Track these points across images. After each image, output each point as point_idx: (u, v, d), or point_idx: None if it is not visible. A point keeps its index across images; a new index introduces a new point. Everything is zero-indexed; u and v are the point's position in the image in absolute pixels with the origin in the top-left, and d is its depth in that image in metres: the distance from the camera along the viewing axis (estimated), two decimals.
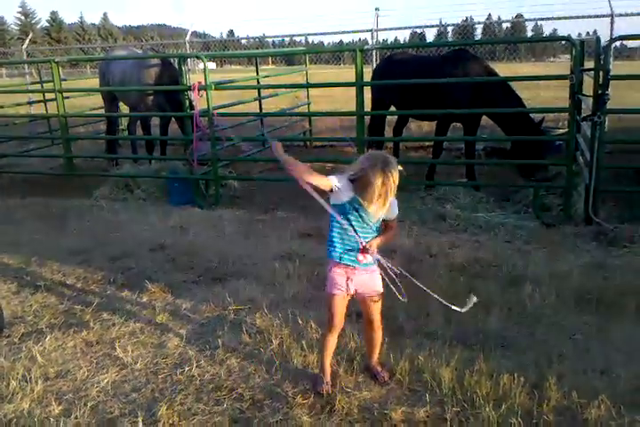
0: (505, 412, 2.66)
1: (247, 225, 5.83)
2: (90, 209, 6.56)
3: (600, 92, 5.16)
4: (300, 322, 3.58)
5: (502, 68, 7.65)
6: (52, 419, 2.75)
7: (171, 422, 2.68)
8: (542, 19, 11.71)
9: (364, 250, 2.70)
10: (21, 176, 8.06)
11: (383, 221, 2.79)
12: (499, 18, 57.71)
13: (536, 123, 6.18)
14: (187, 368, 3.17)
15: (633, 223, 5.21)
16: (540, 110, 7.42)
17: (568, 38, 5.65)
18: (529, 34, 74.10)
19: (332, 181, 2.63)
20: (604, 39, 5.68)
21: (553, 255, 4.69)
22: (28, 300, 4.16)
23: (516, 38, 30.55)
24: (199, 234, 5.60)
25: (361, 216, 2.67)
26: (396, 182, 2.58)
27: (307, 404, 2.81)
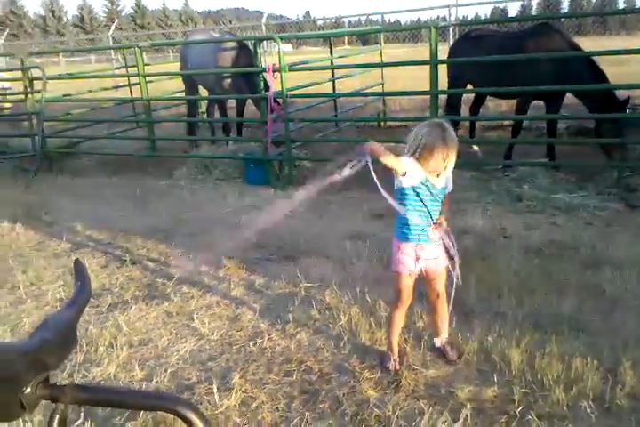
0: (575, 395, 2.62)
1: (319, 206, 5.90)
2: (171, 189, 6.86)
3: None
4: (369, 300, 3.63)
5: (590, 43, 7.26)
6: (135, 383, 2.96)
7: (243, 389, 2.82)
8: None
9: (437, 225, 2.70)
10: (108, 157, 8.51)
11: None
12: None
13: (621, 101, 5.84)
14: (259, 341, 3.31)
15: None
16: (627, 86, 6.99)
17: None
18: (621, 5, 69.28)
19: (405, 166, 2.62)
20: None
21: (636, 238, 4.47)
22: (114, 273, 4.45)
23: (602, 11, 28.73)
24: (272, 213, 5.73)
25: (432, 193, 2.68)
26: (456, 145, 2.57)
27: (373, 379, 2.87)
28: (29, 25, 78.97)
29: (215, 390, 2.79)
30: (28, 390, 1.99)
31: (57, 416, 2.03)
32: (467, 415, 2.52)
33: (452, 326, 3.20)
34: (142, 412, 2.63)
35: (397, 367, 2.94)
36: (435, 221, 2.71)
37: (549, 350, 2.94)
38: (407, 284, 2.86)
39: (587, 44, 6.67)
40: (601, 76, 5.88)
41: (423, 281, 2.92)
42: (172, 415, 2.26)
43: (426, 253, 2.78)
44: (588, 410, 2.52)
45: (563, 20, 23.88)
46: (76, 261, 2.26)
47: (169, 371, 3.04)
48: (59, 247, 5.09)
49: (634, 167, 5.68)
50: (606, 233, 4.66)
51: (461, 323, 3.29)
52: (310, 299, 3.79)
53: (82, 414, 2.41)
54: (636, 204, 5.18)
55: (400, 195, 2.72)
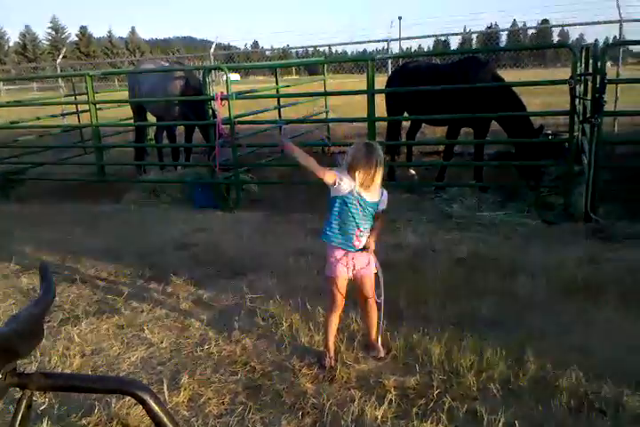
0: (485, 380, 3.00)
1: (264, 226, 6.23)
2: (119, 212, 7.04)
3: (597, 95, 5.45)
4: (309, 307, 3.95)
5: (508, 75, 7.96)
6: None
7: (191, 388, 3.07)
8: (566, 24, 11.97)
9: (365, 249, 3.07)
10: (57, 183, 8.61)
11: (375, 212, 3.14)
12: (524, 24, 57.40)
13: (536, 129, 6.47)
14: (206, 347, 3.57)
15: (632, 220, 5.47)
16: (543, 114, 7.71)
17: (564, 45, 5.97)
18: (555, 39, 73.83)
19: (335, 175, 3.00)
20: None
21: (549, 250, 4.98)
22: (65, 291, 4.62)
23: (516, 46, 30.62)
24: (220, 234, 6.02)
25: (361, 205, 3.04)
26: (381, 162, 2.97)
27: (311, 374, 3.18)
28: None
29: (165, 389, 3.04)
30: None
31: (24, 402, 2.31)
32: (391, 400, 2.86)
33: (382, 328, 3.55)
34: (97, 409, 2.85)
35: (332, 364, 3.26)
36: (362, 229, 3.07)
37: (466, 344, 3.32)
38: (340, 286, 3.20)
39: (507, 75, 7.33)
40: (519, 105, 6.51)
41: (355, 283, 3.27)
42: (124, 411, 2.54)
43: (355, 261, 3.14)
44: (495, 391, 2.91)
45: (502, 52, 25.32)
46: (42, 264, 2.54)
47: (121, 376, 3.26)
48: (7, 269, 5.21)
49: (549, 186, 6.27)
50: (523, 246, 5.16)
51: (391, 325, 3.65)
52: (255, 309, 4.08)
53: (50, 399, 2.65)
54: (550, 220, 5.73)
55: (331, 203, 3.08)
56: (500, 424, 2.64)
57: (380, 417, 2.76)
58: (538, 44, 40.88)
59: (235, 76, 38.17)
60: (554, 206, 6.06)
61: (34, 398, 2.44)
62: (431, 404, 2.84)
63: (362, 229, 3.08)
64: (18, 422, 2.25)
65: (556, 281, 4.26)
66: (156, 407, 2.30)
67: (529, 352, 3.19)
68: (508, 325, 3.66)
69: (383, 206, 3.15)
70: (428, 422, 2.69)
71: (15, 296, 4.52)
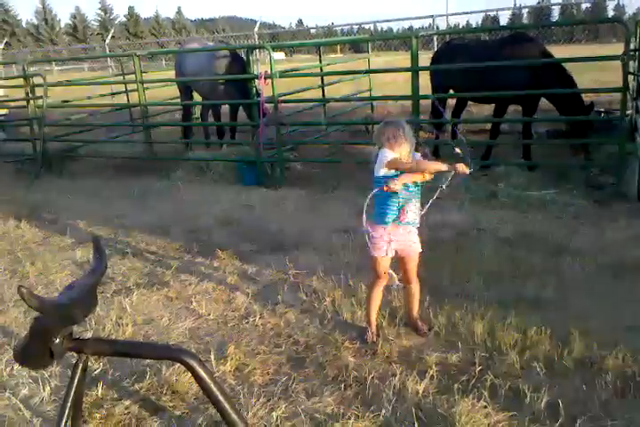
0: (529, 359, 2.99)
1: (308, 203, 6.28)
2: (168, 189, 7.21)
3: None
4: (352, 284, 4.00)
5: (563, 51, 7.70)
6: None
7: (237, 358, 3.17)
8: None
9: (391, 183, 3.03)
10: (107, 160, 8.86)
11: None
12: None
13: (586, 105, 6.26)
14: (251, 319, 3.66)
15: None
16: (594, 91, 7.45)
17: (617, 19, 5.72)
18: (610, 14, 70.56)
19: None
20: None
21: (598, 229, 4.86)
22: (117, 264, 4.79)
23: (566, 21, 29.51)
24: (264, 211, 6.11)
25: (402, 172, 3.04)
26: (397, 131, 3.01)
27: (353, 348, 3.23)
28: (22, 33, 79.29)
29: (212, 358, 3.14)
30: (57, 340, 2.40)
31: (80, 366, 2.42)
32: (432, 375, 2.89)
33: (425, 305, 3.57)
34: (148, 375, 2.98)
35: (374, 339, 3.30)
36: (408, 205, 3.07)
37: (509, 322, 3.31)
38: (383, 265, 3.23)
39: (559, 51, 7.09)
40: (569, 82, 6.30)
41: (398, 261, 3.29)
42: (174, 377, 2.65)
43: (397, 237, 3.15)
44: (539, 370, 2.89)
45: (555, 28, 24.44)
46: (94, 238, 2.64)
47: (171, 344, 3.39)
48: (63, 242, 5.43)
49: (600, 166, 6.09)
50: (572, 226, 5.04)
51: (433, 303, 3.66)
52: (298, 284, 4.15)
53: (105, 364, 2.79)
54: (601, 200, 5.58)
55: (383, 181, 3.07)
56: (543, 403, 2.64)
57: (421, 392, 2.79)
58: (589, 19, 39.12)
59: (279, 55, 38.07)
60: (605, 186, 5.90)
61: (89, 364, 2.56)
62: (473, 380, 2.85)
63: (409, 201, 3.08)
64: (75, 385, 2.38)
65: (604, 262, 4.17)
66: (203, 374, 2.39)
67: (574, 332, 3.15)
68: (553, 305, 3.61)
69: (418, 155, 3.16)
70: (470, 397, 2.71)
71: (70, 268, 4.72)
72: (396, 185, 2.98)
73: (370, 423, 2.60)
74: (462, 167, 2.99)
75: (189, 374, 2.88)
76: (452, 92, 7.68)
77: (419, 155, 3.16)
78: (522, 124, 7.30)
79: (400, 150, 3.02)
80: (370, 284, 3.37)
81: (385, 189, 3.01)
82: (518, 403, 2.68)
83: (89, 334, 3.50)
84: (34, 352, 2.19)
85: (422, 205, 3.18)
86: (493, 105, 7.36)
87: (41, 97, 8.37)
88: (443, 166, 2.99)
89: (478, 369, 2.92)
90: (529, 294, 3.76)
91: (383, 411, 2.67)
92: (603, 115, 8.21)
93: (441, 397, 2.77)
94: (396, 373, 2.95)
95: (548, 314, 3.46)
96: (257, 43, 13.03)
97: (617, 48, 6.47)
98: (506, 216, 5.38)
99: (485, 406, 2.63)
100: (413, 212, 3.14)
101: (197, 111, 9.96)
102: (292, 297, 3.95)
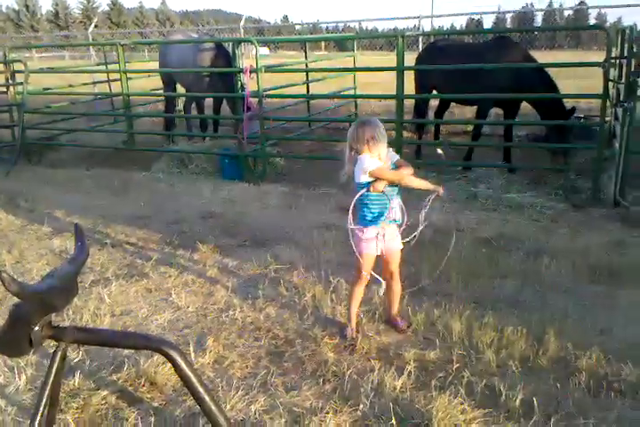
0: (505, 357, 3.04)
1: (290, 199, 6.28)
2: (149, 181, 7.15)
3: (631, 79, 5.34)
4: (332, 280, 4.01)
5: (544, 56, 7.81)
6: None
7: (216, 351, 3.17)
8: (604, 6, 11.62)
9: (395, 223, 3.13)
10: (87, 150, 8.74)
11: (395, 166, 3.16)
12: (560, 5, 55.94)
13: (567, 110, 6.37)
14: (231, 313, 3.66)
15: None
16: (575, 96, 7.58)
17: (599, 27, 5.83)
18: (592, 22, 71.80)
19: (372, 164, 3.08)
20: None
21: (575, 233, 4.96)
22: (96, 254, 4.73)
23: (550, 26, 29.99)
24: (246, 205, 6.09)
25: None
26: (373, 131, 3.00)
27: (332, 344, 3.25)
28: (2, 18, 77.72)
29: (191, 350, 3.13)
30: (36, 328, 2.37)
31: (59, 354, 2.39)
32: (410, 371, 2.92)
33: (404, 303, 3.60)
34: (126, 366, 2.96)
35: (354, 335, 3.32)
36: (392, 203, 3.10)
37: (486, 321, 3.36)
38: (369, 262, 3.26)
39: (541, 56, 7.19)
40: (551, 87, 6.40)
41: (381, 259, 3.31)
42: (152, 369, 2.64)
43: (385, 234, 3.17)
44: (514, 369, 2.95)
45: (538, 33, 24.69)
46: (76, 226, 2.61)
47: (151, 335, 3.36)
48: (40, 231, 5.35)
49: (578, 171, 6.19)
50: (550, 228, 5.13)
51: (412, 300, 3.69)
52: (279, 279, 4.15)
53: (82, 353, 2.77)
54: (578, 204, 5.68)
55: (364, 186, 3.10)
56: (518, 400, 2.68)
57: (398, 387, 2.82)
58: (571, 26, 39.86)
59: (264, 50, 37.91)
60: (582, 190, 6.00)
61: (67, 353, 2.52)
62: (450, 377, 2.89)
63: (392, 200, 3.11)
64: (53, 373, 2.35)
65: (580, 264, 4.25)
66: (183, 366, 2.38)
67: (550, 332, 3.21)
68: (529, 305, 3.68)
69: (395, 158, 3.16)
70: (447, 394, 2.74)
71: (48, 257, 4.66)
72: (380, 186, 3.02)
73: (348, 418, 2.62)
74: (441, 190, 3.05)
75: (168, 366, 2.89)
76: (434, 92, 7.74)
77: (392, 152, 3.19)
78: (503, 126, 7.40)
79: (378, 150, 3.05)
80: (353, 281, 3.39)
81: (371, 190, 3.04)
82: (494, 400, 2.73)
83: (66, 324, 3.46)
84: (12, 340, 2.15)
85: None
86: (475, 107, 7.44)
87: (21, 83, 8.22)
88: (426, 186, 3.07)
89: (455, 367, 2.96)
90: (506, 294, 3.82)
91: (361, 406, 2.69)
92: (582, 120, 8.36)
93: (418, 393, 2.80)
94: (375, 368, 2.97)
95: (524, 314, 3.52)
96: (243, 37, 12.94)
97: (598, 55, 6.59)
98: (485, 218, 5.45)
99: (462, 403, 2.66)
100: (397, 209, 3.18)
101: (180, 103, 9.88)
102: (273, 292, 3.95)
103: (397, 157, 3.20)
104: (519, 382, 2.82)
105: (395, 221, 3.18)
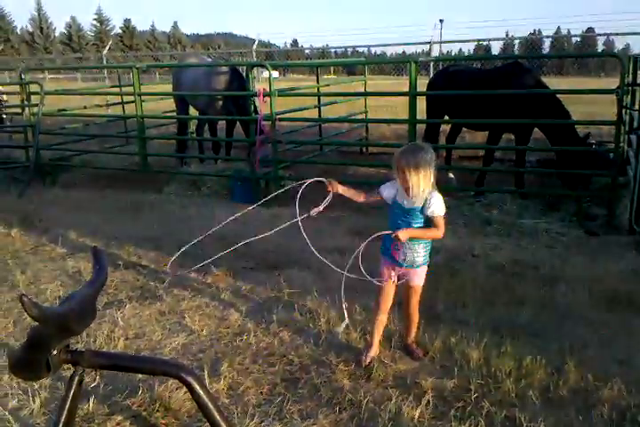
0: (524, 387, 2.99)
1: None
2: (161, 202, 7.18)
3: None
4: (346, 305, 3.97)
5: (551, 82, 7.85)
6: None
7: (231, 376, 3.13)
8: (613, 34, 11.72)
9: (395, 237, 3.00)
10: (100, 171, 8.80)
11: (428, 218, 3.07)
12: (568, 32, 56.49)
13: (582, 137, 6.38)
14: (245, 337, 3.63)
15: None
16: (589, 123, 7.60)
17: (613, 54, 5.87)
18: (600, 48, 72.41)
19: (378, 191, 3.20)
20: None
21: (591, 260, 4.91)
22: (109, 276, 4.69)
23: (562, 53, 30.22)
24: (258, 229, 6.07)
25: (401, 211, 3.06)
26: (419, 163, 2.89)
27: (348, 371, 3.21)
28: (16, 40, 79.26)
29: (206, 375, 3.10)
30: (55, 352, 2.35)
31: (76, 378, 2.37)
32: (428, 401, 2.87)
33: (420, 329, 3.56)
34: (140, 391, 2.93)
35: (370, 362, 3.27)
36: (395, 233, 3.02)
37: (504, 350, 3.31)
38: (386, 293, 3.25)
39: (569, 83, 7.24)
40: (563, 113, 6.42)
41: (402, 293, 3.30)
42: (167, 393, 2.61)
43: (400, 271, 3.16)
44: (534, 399, 2.89)
45: (546, 60, 24.95)
46: (95, 248, 2.61)
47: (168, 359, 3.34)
48: (54, 252, 5.36)
49: (592, 197, 6.17)
50: (564, 255, 5.09)
51: (428, 327, 3.65)
52: (293, 303, 4.12)
53: (97, 378, 2.74)
54: (593, 230, 5.65)
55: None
56: None
57: (417, 417, 2.77)
58: (584, 53, 40.17)
59: (274, 74, 38.48)
60: (597, 217, 5.98)
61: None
62: (469, 407, 2.84)
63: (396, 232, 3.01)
64: (70, 398, 2.32)
65: (597, 292, 4.20)
66: (201, 392, 2.35)
67: (569, 362, 3.16)
68: (547, 333, 3.63)
69: (432, 211, 3.01)
70: (466, 424, 2.69)
71: (61, 278, 4.65)
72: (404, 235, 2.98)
73: None
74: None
75: (182, 391, 2.85)
76: (447, 117, 7.79)
77: None
78: (515, 152, 7.41)
79: (400, 182, 3.05)
80: (374, 310, 3.37)
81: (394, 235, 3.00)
82: None
83: (82, 348, 3.44)
84: (29, 363, 2.13)
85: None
86: (487, 132, 7.46)
87: (37, 104, 8.33)
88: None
89: (474, 396, 2.91)
90: (523, 322, 3.77)
91: None
92: (594, 147, 8.35)
93: (437, 423, 2.75)
94: (392, 397, 2.92)
95: (542, 343, 3.47)
96: (255, 60, 13.15)
97: (606, 82, 6.62)
98: (499, 243, 5.41)
99: None
100: (411, 251, 3.13)
101: (192, 126, 9.98)
102: (287, 316, 3.92)
103: (433, 209, 3.12)
104: (540, 414, 2.77)
105: (405, 265, 3.12)
